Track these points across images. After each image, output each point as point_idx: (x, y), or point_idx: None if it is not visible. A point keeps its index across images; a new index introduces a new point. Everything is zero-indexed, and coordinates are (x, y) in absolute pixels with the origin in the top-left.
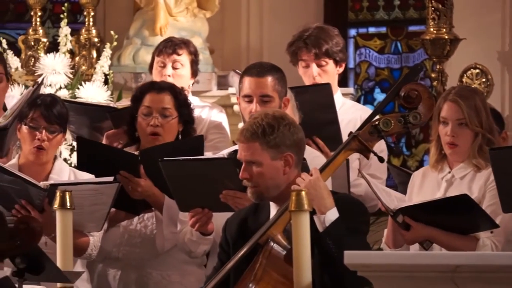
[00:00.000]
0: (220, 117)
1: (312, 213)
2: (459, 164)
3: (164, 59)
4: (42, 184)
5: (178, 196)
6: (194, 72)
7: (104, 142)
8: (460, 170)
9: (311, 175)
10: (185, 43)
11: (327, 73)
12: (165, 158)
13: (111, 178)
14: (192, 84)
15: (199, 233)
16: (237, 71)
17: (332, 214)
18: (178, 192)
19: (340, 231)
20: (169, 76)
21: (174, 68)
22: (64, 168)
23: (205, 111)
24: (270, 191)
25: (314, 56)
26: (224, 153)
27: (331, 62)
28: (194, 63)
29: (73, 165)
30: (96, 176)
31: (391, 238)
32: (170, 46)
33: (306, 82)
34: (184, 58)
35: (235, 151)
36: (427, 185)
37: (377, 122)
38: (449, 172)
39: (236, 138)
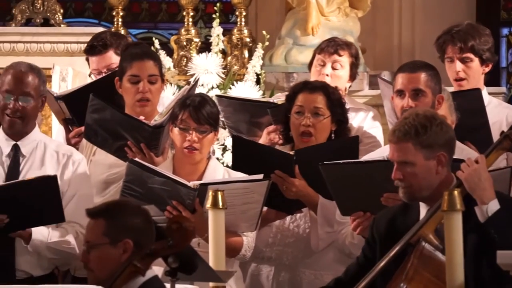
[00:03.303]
0: (375, 121)
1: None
2: None
3: (325, 58)
4: (191, 184)
5: (339, 199)
6: (353, 75)
7: (264, 137)
8: None
9: (476, 161)
10: (347, 45)
11: (471, 70)
12: (325, 162)
13: (261, 176)
14: (349, 87)
15: (361, 237)
16: (383, 77)
17: (494, 205)
18: (339, 195)
19: (503, 221)
20: (327, 75)
21: (333, 68)
22: (218, 167)
23: (360, 114)
24: (423, 191)
25: (459, 50)
26: (384, 155)
27: (476, 59)
28: (354, 66)
29: (225, 164)
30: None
31: None
32: (333, 46)
33: (450, 78)
34: (344, 60)
35: None
36: None
37: None
38: None
39: (388, 139)
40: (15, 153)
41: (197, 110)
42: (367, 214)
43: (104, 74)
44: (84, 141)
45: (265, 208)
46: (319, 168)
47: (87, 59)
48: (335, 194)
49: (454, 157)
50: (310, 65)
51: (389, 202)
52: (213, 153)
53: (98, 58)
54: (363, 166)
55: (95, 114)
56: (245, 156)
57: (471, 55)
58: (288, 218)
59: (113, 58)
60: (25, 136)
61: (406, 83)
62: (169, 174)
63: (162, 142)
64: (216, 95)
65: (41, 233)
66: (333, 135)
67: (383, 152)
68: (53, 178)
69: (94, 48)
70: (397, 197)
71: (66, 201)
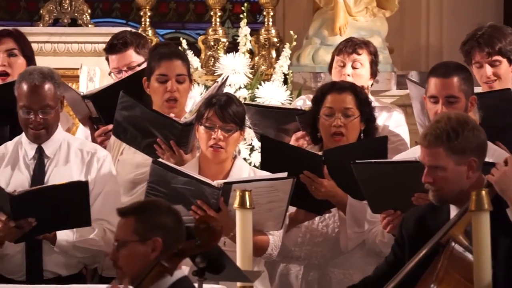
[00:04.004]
0: (400, 119)
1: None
2: None
3: (344, 59)
4: (215, 183)
5: (370, 197)
6: (374, 73)
7: (292, 143)
8: None
9: (505, 162)
10: (365, 43)
11: (501, 71)
12: (357, 161)
13: (285, 174)
14: (371, 85)
15: (391, 235)
16: (412, 79)
17: None
18: (370, 193)
19: None
20: (348, 75)
21: (353, 67)
22: (244, 167)
23: (384, 114)
24: (453, 195)
25: (487, 55)
26: (416, 156)
27: (504, 61)
28: (374, 64)
29: (252, 164)
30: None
31: None
32: (350, 46)
33: (480, 82)
34: (363, 58)
35: None
36: None
37: None
38: None
39: (419, 142)
40: (40, 155)
41: (222, 108)
42: (397, 212)
43: (124, 73)
44: (111, 140)
45: (294, 209)
46: (347, 168)
47: (107, 58)
48: (366, 192)
49: (486, 159)
50: (330, 68)
51: (420, 202)
52: (239, 153)
53: (118, 57)
54: (394, 166)
55: (124, 111)
56: (274, 156)
57: (499, 58)
58: (317, 217)
59: (133, 57)
60: (49, 138)
61: (439, 89)
62: (193, 174)
63: (192, 140)
64: (244, 104)
65: (66, 233)
66: (362, 134)
67: (415, 152)
68: (84, 184)
69: (114, 47)
70: (428, 198)
71: (93, 199)
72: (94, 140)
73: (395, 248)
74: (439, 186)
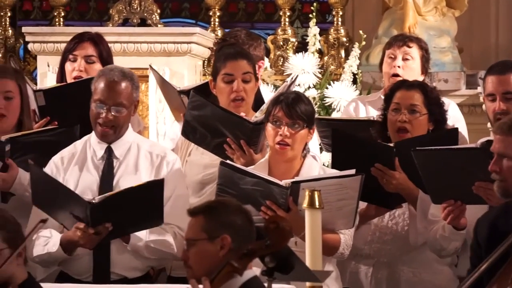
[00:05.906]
0: (457, 113)
1: None
2: None
3: (395, 51)
4: (283, 182)
5: (430, 187)
6: (425, 69)
7: None
8: None
9: None
10: (416, 38)
11: None
12: (417, 148)
13: (353, 171)
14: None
15: (452, 228)
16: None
17: None
18: (430, 183)
19: None
20: (399, 67)
21: (404, 59)
22: (314, 165)
23: None
24: None
25: None
26: (478, 142)
27: None
28: (425, 60)
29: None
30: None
31: None
32: (401, 39)
33: None
34: (414, 51)
35: (488, 141)
36: None
37: None
38: None
39: (492, 131)
40: (109, 156)
41: (289, 105)
42: (458, 202)
43: None
44: (179, 142)
45: (364, 204)
46: None
47: None
48: (427, 181)
49: None
50: (380, 65)
51: (480, 191)
52: (308, 151)
53: None
54: (454, 152)
55: (195, 110)
56: (345, 149)
57: None
58: (386, 215)
59: None
60: (118, 139)
61: (496, 86)
62: (260, 174)
63: (262, 139)
64: (316, 118)
65: (140, 233)
66: None
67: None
68: (160, 182)
69: (224, 42)
70: (489, 186)
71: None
72: None
73: (472, 258)
74: (504, 176)
